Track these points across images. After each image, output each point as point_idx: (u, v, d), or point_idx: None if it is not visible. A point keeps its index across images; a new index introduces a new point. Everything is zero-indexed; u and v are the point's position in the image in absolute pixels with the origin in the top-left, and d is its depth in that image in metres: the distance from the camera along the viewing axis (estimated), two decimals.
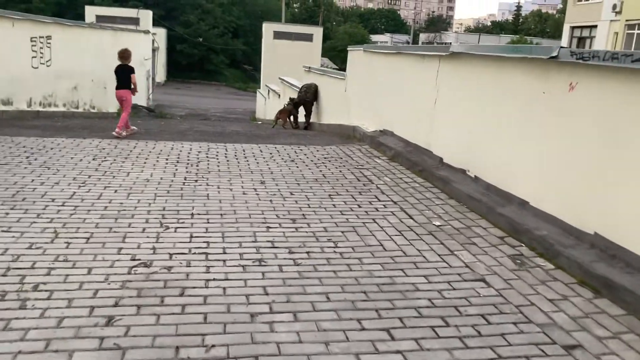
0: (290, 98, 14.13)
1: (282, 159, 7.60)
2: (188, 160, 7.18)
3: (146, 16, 37.71)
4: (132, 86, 9.10)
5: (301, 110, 13.91)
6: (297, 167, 7.11)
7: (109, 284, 3.50)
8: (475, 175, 5.81)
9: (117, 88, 9.17)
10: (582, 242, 4.12)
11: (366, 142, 9.04)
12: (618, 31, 32.53)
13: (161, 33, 46.53)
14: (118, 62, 9.24)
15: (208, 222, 4.74)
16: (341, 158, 7.81)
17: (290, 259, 4.04)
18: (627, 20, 31.05)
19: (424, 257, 4.20)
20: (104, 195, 5.37)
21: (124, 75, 9.11)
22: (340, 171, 6.95)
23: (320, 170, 6.95)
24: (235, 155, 7.64)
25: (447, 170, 6.35)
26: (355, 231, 4.70)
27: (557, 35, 76.68)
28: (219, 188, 5.88)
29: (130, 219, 4.73)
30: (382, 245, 4.40)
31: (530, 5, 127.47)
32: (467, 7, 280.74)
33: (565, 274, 3.89)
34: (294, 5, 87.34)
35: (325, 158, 7.77)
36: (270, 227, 4.70)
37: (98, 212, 4.86)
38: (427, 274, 3.89)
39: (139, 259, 3.89)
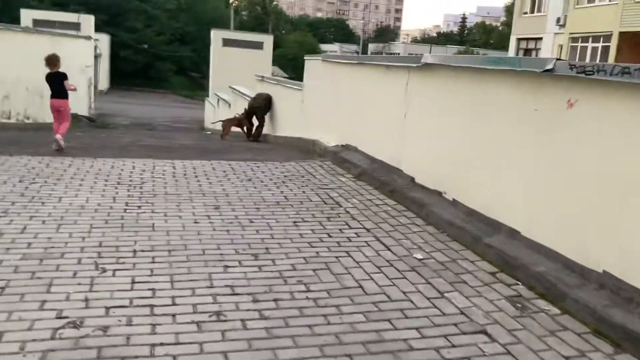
0: (244, 109, 13.42)
1: (238, 177, 6.89)
2: (130, 181, 6.38)
3: (88, 21, 35.99)
4: (69, 92, 8.39)
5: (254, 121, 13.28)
6: (255, 187, 6.43)
7: (25, 356, 2.73)
8: (453, 199, 5.28)
9: (52, 97, 8.37)
10: (588, 282, 3.62)
11: (328, 157, 8.44)
12: (562, 44, 33.36)
13: (104, 39, 44.72)
14: (47, 70, 8.42)
15: (153, 262, 4.00)
16: (303, 176, 7.16)
17: (255, 309, 3.35)
18: (570, 34, 31.82)
19: (412, 301, 3.60)
20: (28, 228, 4.54)
21: (57, 84, 8.32)
22: (303, 192, 6.31)
23: (282, 191, 6.28)
24: (185, 174, 6.88)
25: (421, 192, 5.80)
26: (329, 268, 4.06)
27: (501, 46, 78.80)
28: (166, 216, 5.13)
29: (59, 259, 3.94)
30: (361, 286, 3.77)
31: (474, 17, 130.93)
32: (413, 18, 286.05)
33: (576, 320, 3.37)
34: (242, 13, 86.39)
35: (285, 176, 7.11)
36: (229, 267, 4.00)
37: (19, 250, 4.04)
38: (419, 325, 3.28)
39: (67, 317, 3.12)
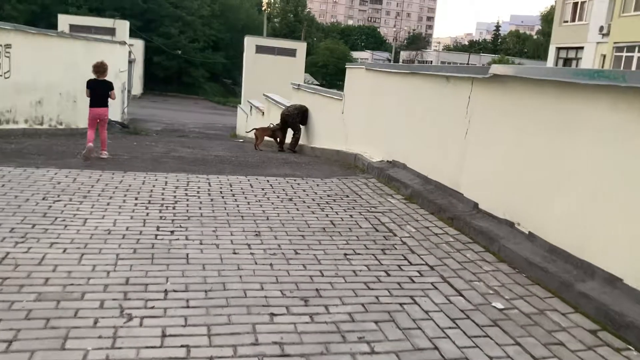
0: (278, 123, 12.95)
1: (278, 196, 6.29)
2: (163, 199, 5.83)
3: (123, 27, 36.10)
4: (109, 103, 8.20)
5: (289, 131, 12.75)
6: (297, 209, 5.81)
7: None
8: (530, 232, 4.57)
9: (94, 105, 8.01)
10: None
11: (372, 174, 7.79)
12: (606, 53, 32.14)
13: (138, 44, 45.01)
14: (92, 76, 8.14)
15: (188, 306, 3.40)
16: (347, 196, 6.53)
17: None
18: (615, 43, 30.61)
19: None
20: (47, 258, 4.00)
21: (101, 92, 8.03)
22: (350, 216, 5.67)
23: (327, 215, 5.65)
24: (221, 192, 6.31)
25: (488, 221, 5.10)
26: (394, 320, 3.40)
27: (536, 56, 77.11)
28: (201, 244, 4.54)
29: (79, 300, 3.37)
30: (437, 347, 3.10)
31: (507, 25, 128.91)
32: (445, 26, 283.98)
33: None
34: (275, 20, 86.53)
35: (328, 196, 6.49)
36: (275, 314, 3.37)
37: (34, 289, 3.49)
38: None
39: None
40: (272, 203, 5.98)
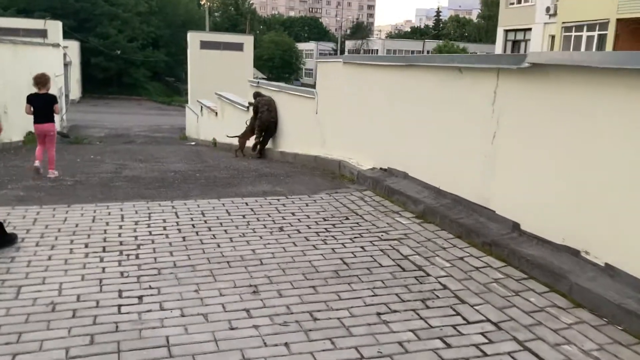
0: (252, 119, 11.47)
1: (264, 226, 5.12)
2: (121, 243, 4.56)
3: (55, 28, 33.59)
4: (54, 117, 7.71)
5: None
6: (294, 243, 4.66)
7: None
8: (606, 263, 3.58)
9: (39, 122, 7.47)
10: None
11: (365, 185, 6.70)
12: (555, 33, 32.09)
13: (74, 46, 42.40)
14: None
15: None
16: (347, 218, 5.42)
17: None
18: (563, 23, 30.54)
19: None
20: None
21: (44, 106, 7.45)
22: (362, 248, 4.56)
23: (332, 249, 4.52)
24: (193, 225, 5.08)
25: (539, 248, 4.09)
26: None
27: (479, 39, 77.82)
28: (183, 315, 3.33)
29: None
30: None
31: (446, 10, 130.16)
32: (385, 14, 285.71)
33: None
34: (215, 14, 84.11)
35: (324, 219, 5.36)
36: None
37: None
38: None
39: None
40: (261, 237, 4.80)
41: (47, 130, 7.54)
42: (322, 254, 4.40)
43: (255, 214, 5.54)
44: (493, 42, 68.92)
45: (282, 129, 10.96)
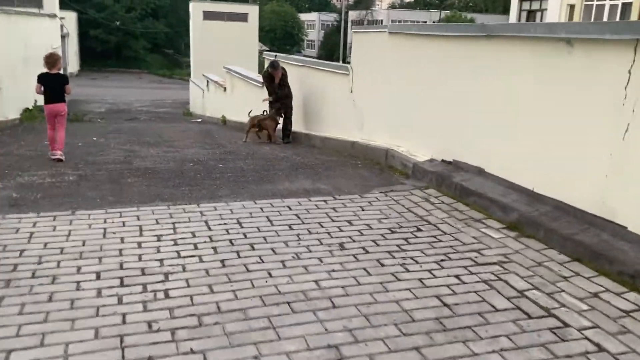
0: (269, 101, 10.00)
1: (320, 241, 4.06)
2: (143, 271, 3.49)
3: None
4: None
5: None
6: (366, 270, 3.59)
7: None
8: None
9: (50, 102, 7.21)
10: None
11: (425, 181, 5.61)
12: (574, 3, 30.57)
13: (71, 17, 40.82)
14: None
15: None
16: (418, 228, 4.35)
17: None
18: None
19: None
20: None
21: (55, 87, 7.19)
22: (458, 278, 3.48)
23: (419, 279, 3.46)
24: (231, 242, 4.01)
25: None
26: None
27: (485, 10, 75.78)
28: None
29: None
30: None
31: None
32: None
33: None
34: None
35: (391, 230, 4.30)
36: None
37: None
38: None
39: None
40: (320, 260, 3.73)
41: (58, 110, 7.27)
42: (409, 289, 3.33)
43: (303, 222, 4.47)
44: (500, 12, 67.19)
45: (306, 109, 9.80)
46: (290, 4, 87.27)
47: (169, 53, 58.56)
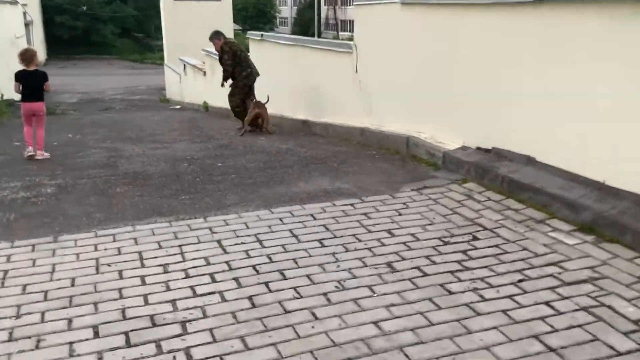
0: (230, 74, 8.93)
1: (363, 261, 3.34)
2: (153, 322, 2.73)
3: None
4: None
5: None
6: (432, 301, 2.88)
7: None
8: None
9: (27, 100, 6.86)
10: None
11: (461, 173, 4.90)
12: None
13: (34, 3, 38.92)
14: (20, 67, 6.82)
15: None
16: (474, 237, 3.65)
17: None
18: None
19: None
20: None
21: (34, 84, 6.83)
22: (549, 306, 2.78)
23: (505, 311, 2.75)
24: (256, 269, 3.26)
25: None
26: None
27: None
28: None
29: None
30: None
31: None
32: None
33: None
34: None
35: (442, 241, 3.60)
36: None
37: None
38: None
39: None
40: (371, 289, 3.00)
41: (37, 109, 6.91)
42: (496, 328, 2.62)
43: (335, 236, 3.73)
44: None
45: (302, 93, 8.99)
46: None
47: (139, 37, 56.64)
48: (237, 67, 8.66)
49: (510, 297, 2.89)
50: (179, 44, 27.69)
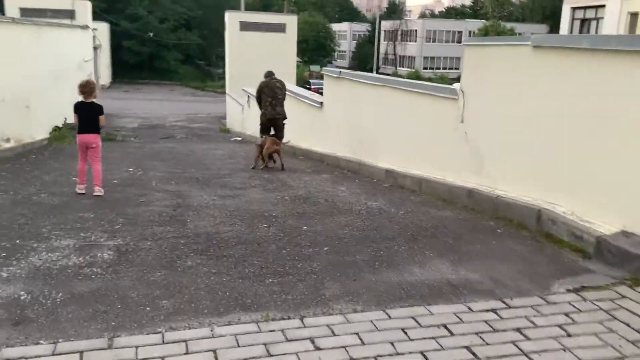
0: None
1: None
2: None
3: (84, 8, 31.00)
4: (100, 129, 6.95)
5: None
6: None
7: None
8: None
9: (82, 132, 6.79)
10: None
11: (626, 268, 3.74)
12: (638, 10, 28.25)
13: (103, 28, 39.86)
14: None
15: None
16: None
17: None
18: None
19: None
20: None
21: (90, 116, 6.75)
22: None
23: None
24: None
25: None
26: None
27: (522, 19, 73.00)
28: None
29: None
30: None
31: None
32: None
33: None
34: None
35: None
36: None
37: None
38: None
39: None
40: None
41: (90, 141, 6.77)
42: None
43: None
44: (537, 21, 64.61)
45: (386, 138, 7.99)
46: (322, 14, 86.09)
47: (200, 64, 57.54)
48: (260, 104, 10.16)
49: None
50: (241, 73, 27.43)
